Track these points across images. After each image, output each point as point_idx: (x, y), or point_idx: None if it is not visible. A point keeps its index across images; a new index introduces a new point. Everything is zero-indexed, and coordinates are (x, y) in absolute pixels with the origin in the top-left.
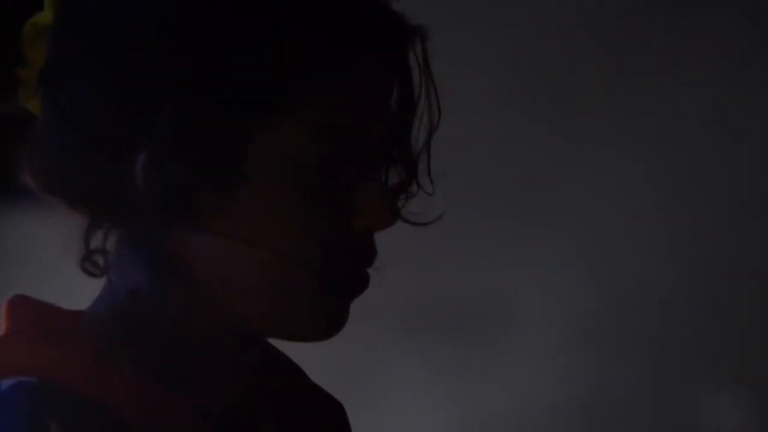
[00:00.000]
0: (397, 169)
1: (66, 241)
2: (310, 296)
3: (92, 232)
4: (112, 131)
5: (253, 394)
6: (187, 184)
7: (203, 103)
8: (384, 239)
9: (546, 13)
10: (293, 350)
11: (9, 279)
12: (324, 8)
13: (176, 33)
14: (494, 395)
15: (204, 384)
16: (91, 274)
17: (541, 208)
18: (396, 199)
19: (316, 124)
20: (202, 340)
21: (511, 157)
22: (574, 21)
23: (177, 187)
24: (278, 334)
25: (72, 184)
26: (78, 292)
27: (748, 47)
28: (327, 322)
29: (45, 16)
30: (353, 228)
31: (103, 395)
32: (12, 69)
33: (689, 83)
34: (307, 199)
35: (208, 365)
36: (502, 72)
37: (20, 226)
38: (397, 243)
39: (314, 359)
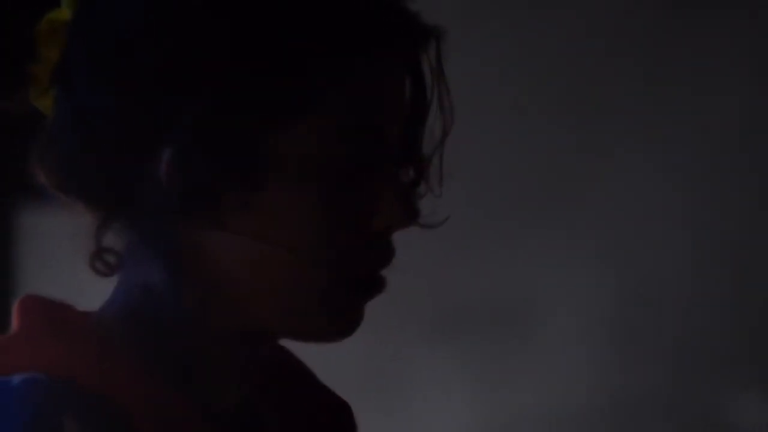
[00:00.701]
0: (409, 170)
1: (79, 240)
2: (327, 296)
3: (103, 230)
4: (133, 129)
5: (257, 394)
6: (212, 182)
7: (228, 101)
8: (412, 243)
9: (561, 13)
10: (321, 352)
11: (26, 278)
12: (344, 7)
13: (199, 31)
14: (520, 395)
15: (213, 383)
16: (101, 273)
17: (565, 209)
18: (414, 199)
19: (337, 124)
20: (216, 340)
21: (535, 158)
22: (590, 20)
23: (201, 185)
24: (294, 334)
25: (87, 183)
26: (93, 291)
27: None
28: (343, 322)
29: (62, 13)
30: (372, 228)
31: (111, 392)
32: (15, 67)
33: (708, 82)
34: (326, 199)
35: (219, 365)
36: (522, 72)
37: (37, 224)
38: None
39: (343, 360)
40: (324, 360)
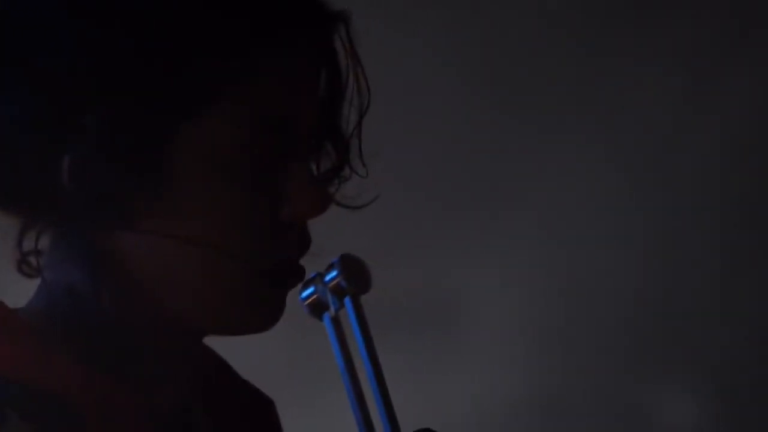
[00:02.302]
0: (330, 154)
1: (2, 242)
2: (243, 288)
3: (25, 234)
4: (36, 136)
5: (191, 394)
6: (113, 184)
7: (123, 103)
8: (343, 237)
9: (509, 6)
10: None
11: None
12: None
13: (91, 34)
14: (447, 394)
15: (147, 379)
16: (28, 275)
17: (497, 206)
18: (326, 186)
19: (240, 115)
20: (141, 336)
21: (467, 149)
22: (540, 12)
23: (103, 187)
24: (215, 328)
25: (1, 188)
26: (12, 291)
27: (713, 40)
28: (263, 313)
29: None
30: (284, 217)
31: (49, 386)
32: None
33: (654, 75)
34: (235, 191)
35: (149, 360)
36: (464, 67)
37: None
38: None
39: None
40: (249, 355)
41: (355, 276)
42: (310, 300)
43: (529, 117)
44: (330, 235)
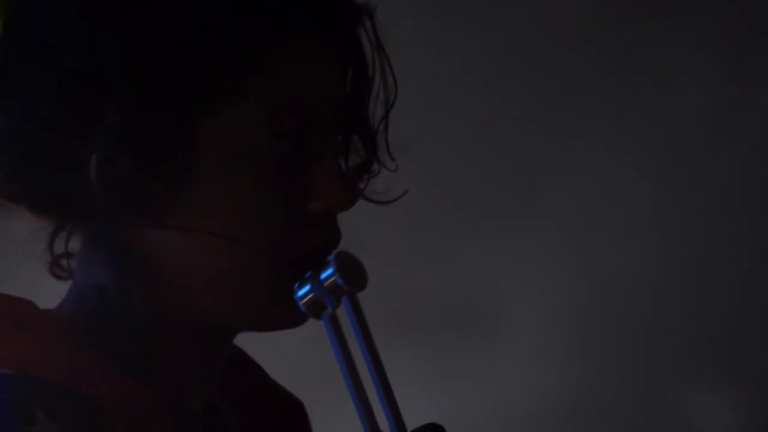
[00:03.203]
0: (358, 148)
1: (31, 243)
2: (271, 283)
3: (56, 236)
4: (64, 135)
5: (219, 395)
6: (140, 181)
7: (147, 98)
8: (375, 239)
9: (538, 7)
10: (281, 349)
11: None
12: None
13: (114, 30)
14: (482, 394)
15: (175, 380)
16: (60, 278)
17: (531, 206)
18: (354, 180)
19: (264, 108)
20: (171, 335)
21: (502, 155)
22: (567, 14)
23: (130, 183)
24: (244, 325)
25: (30, 191)
26: (44, 292)
27: (742, 44)
28: (291, 308)
29: None
30: (312, 211)
31: (78, 387)
32: None
33: (682, 79)
34: (260, 185)
35: (181, 363)
36: (494, 69)
37: None
38: (387, 242)
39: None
40: (284, 357)
41: (351, 274)
42: (306, 299)
43: (561, 118)
44: (362, 235)
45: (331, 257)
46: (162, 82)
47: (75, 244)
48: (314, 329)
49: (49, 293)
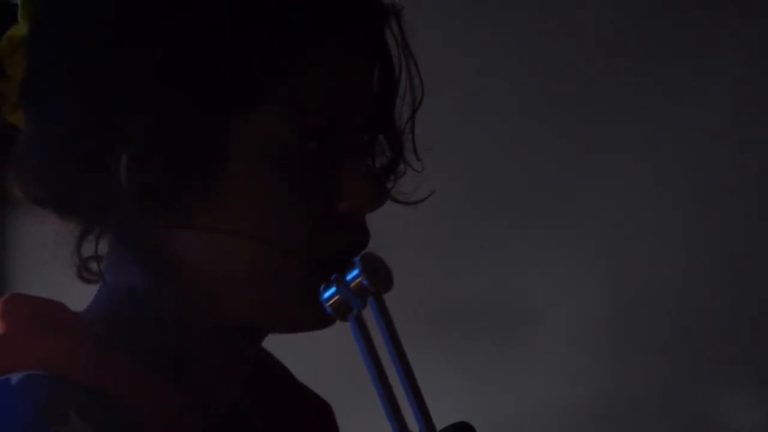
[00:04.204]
0: (385, 149)
1: (63, 246)
2: (299, 284)
3: (84, 239)
4: (92, 138)
5: (247, 394)
6: (169, 180)
7: (176, 99)
8: (407, 241)
9: (564, 13)
10: (310, 350)
11: (11, 280)
12: None
13: (142, 32)
14: (513, 395)
15: (204, 381)
16: (88, 281)
17: (561, 210)
18: (383, 179)
19: (292, 109)
20: (199, 336)
21: (533, 158)
22: (589, 19)
23: (159, 185)
24: (273, 326)
25: (59, 195)
26: (74, 294)
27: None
28: (319, 310)
29: (20, 29)
30: (340, 211)
31: (110, 388)
32: None
33: (708, 86)
34: (289, 185)
35: (210, 363)
36: (521, 74)
37: (18, 229)
38: (417, 244)
39: (332, 359)
40: (313, 358)
41: (377, 275)
42: (332, 301)
43: (594, 121)
44: (392, 237)
45: (356, 259)
46: (192, 84)
47: (102, 247)
48: (342, 331)
49: (77, 296)
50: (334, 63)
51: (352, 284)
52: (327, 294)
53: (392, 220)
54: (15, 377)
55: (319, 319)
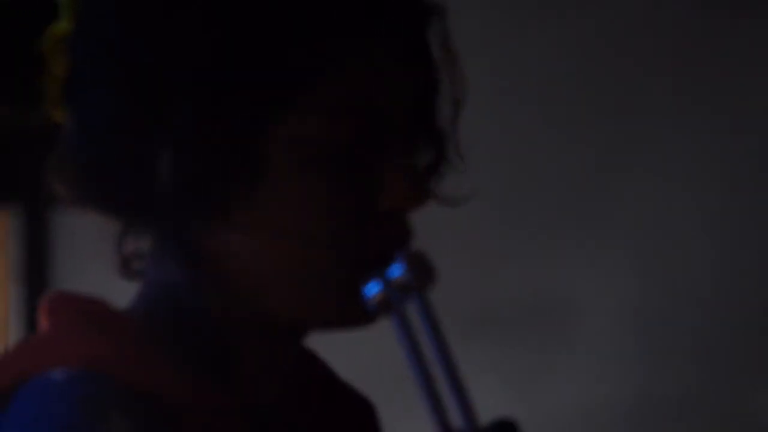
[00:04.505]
0: (427, 149)
1: (105, 244)
2: (341, 282)
3: (126, 236)
4: (134, 134)
5: (289, 393)
6: (211, 177)
7: (219, 95)
8: (443, 240)
9: (592, 15)
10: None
11: (58, 278)
12: None
13: (185, 30)
14: (553, 394)
15: (246, 379)
16: (132, 279)
17: (601, 210)
18: (424, 179)
19: (332, 107)
20: (239, 334)
21: (574, 160)
22: (618, 21)
23: (200, 182)
24: (317, 323)
25: (99, 193)
26: (114, 293)
27: None
28: (360, 306)
29: (63, 26)
30: (382, 209)
31: (153, 387)
32: (35, 78)
33: (740, 83)
34: (330, 184)
35: (253, 361)
36: (554, 74)
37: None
38: (458, 244)
39: (375, 358)
40: (357, 358)
41: (420, 271)
42: (375, 298)
43: (637, 120)
44: (437, 235)
45: (399, 255)
46: (234, 78)
47: (144, 244)
48: (385, 329)
49: (119, 294)
50: (376, 62)
51: (396, 281)
52: (371, 291)
53: (429, 220)
54: (58, 374)
55: (360, 317)
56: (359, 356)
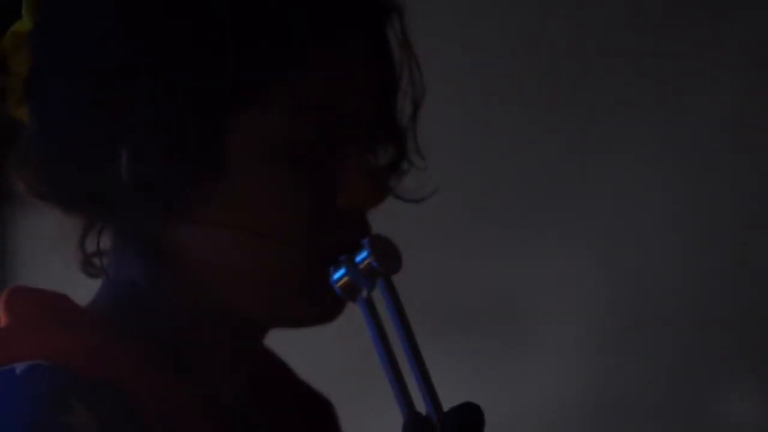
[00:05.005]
0: (387, 147)
1: (63, 241)
2: (301, 278)
3: (87, 233)
4: (94, 133)
5: (248, 390)
6: (169, 175)
7: (177, 94)
8: (403, 238)
9: (559, 11)
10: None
11: (16, 274)
12: None
13: (143, 29)
14: (513, 394)
15: (206, 374)
16: (94, 276)
17: (560, 208)
18: (383, 177)
19: (293, 105)
20: (202, 330)
21: (531, 157)
22: (583, 18)
23: (159, 180)
24: (274, 320)
25: (61, 190)
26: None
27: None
28: (320, 303)
29: (24, 24)
30: (342, 207)
31: (114, 379)
32: None
33: (705, 82)
34: (289, 181)
35: (213, 356)
36: (516, 70)
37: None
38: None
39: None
40: (315, 356)
41: (386, 256)
42: (341, 282)
43: (592, 118)
44: (394, 234)
45: (365, 240)
46: (194, 76)
47: (105, 242)
48: (352, 326)
49: (81, 291)
50: (335, 60)
51: (362, 265)
52: (336, 275)
53: (394, 215)
54: (19, 367)
55: (320, 313)
56: (326, 353)
